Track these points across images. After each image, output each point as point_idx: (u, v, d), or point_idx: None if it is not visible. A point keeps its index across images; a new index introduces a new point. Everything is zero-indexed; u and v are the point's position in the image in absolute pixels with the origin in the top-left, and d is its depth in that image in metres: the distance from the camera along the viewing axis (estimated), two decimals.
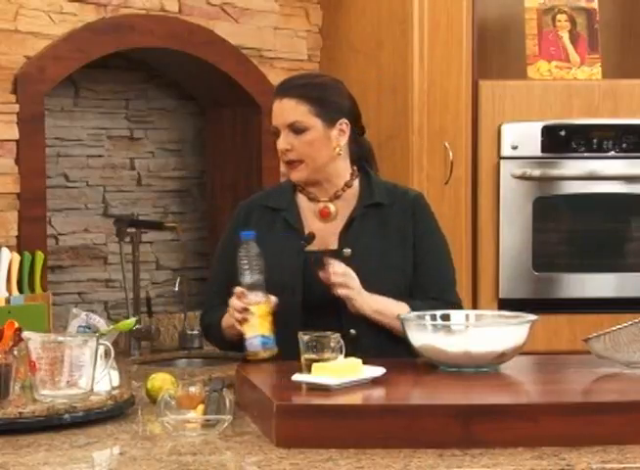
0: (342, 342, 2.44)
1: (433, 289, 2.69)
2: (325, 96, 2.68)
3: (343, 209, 2.72)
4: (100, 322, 2.60)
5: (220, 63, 4.02)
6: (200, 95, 4.28)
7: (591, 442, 2.06)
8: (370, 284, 2.62)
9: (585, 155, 4.05)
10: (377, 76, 4.19)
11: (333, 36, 4.32)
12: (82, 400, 2.31)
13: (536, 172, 4.00)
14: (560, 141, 4.04)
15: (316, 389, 2.23)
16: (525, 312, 2.54)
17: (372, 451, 2.02)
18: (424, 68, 4.07)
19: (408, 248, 2.69)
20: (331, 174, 2.71)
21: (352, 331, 2.61)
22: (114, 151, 4.12)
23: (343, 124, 2.70)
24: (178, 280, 4.01)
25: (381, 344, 2.61)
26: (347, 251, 2.65)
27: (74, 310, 2.59)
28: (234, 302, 2.56)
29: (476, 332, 2.45)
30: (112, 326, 2.62)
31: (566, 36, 4.25)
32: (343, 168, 2.73)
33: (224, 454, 2.06)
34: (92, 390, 2.34)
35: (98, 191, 4.08)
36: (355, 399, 2.24)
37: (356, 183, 2.75)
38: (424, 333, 2.45)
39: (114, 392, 2.41)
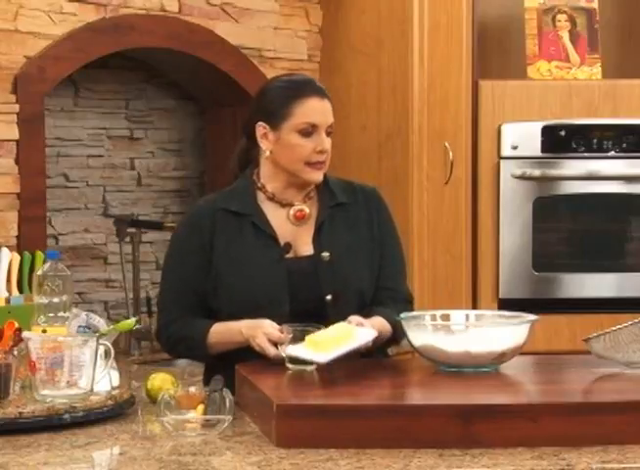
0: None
1: (392, 278, 2.69)
2: None
3: (312, 211, 2.67)
4: (100, 322, 2.59)
5: (220, 63, 4.02)
6: (200, 95, 4.28)
7: (591, 442, 2.06)
8: (350, 284, 2.61)
9: (585, 155, 4.04)
10: (377, 76, 4.19)
11: (333, 36, 4.32)
12: (82, 400, 2.31)
13: (536, 172, 4.00)
14: (560, 141, 4.04)
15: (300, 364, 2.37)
16: (525, 312, 2.54)
17: (372, 451, 2.02)
18: (424, 68, 4.07)
19: (375, 241, 2.68)
20: None
21: None
22: (114, 151, 4.12)
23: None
24: None
25: (367, 347, 2.57)
26: (326, 254, 2.61)
27: (74, 310, 2.58)
28: (269, 349, 2.47)
29: (476, 332, 2.45)
30: (112, 326, 2.62)
31: (566, 36, 4.25)
32: None
33: (224, 454, 2.06)
34: (92, 390, 2.34)
35: (98, 191, 4.08)
36: (355, 399, 2.24)
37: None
38: (424, 333, 2.45)
39: (114, 392, 2.41)
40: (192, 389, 2.27)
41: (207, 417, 2.21)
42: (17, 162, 3.51)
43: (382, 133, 4.17)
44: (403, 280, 2.74)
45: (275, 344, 2.47)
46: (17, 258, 3.28)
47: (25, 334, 2.37)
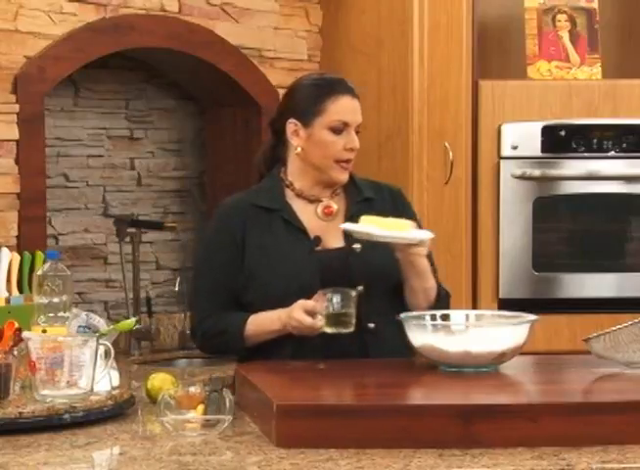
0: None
1: None
2: None
3: (340, 206, 2.74)
4: (100, 322, 2.59)
5: (220, 63, 4.02)
6: (200, 95, 4.28)
7: (591, 442, 2.06)
8: (382, 275, 2.66)
9: (585, 155, 4.04)
10: (377, 76, 4.19)
11: (333, 36, 4.32)
12: (82, 400, 2.31)
13: (536, 172, 4.00)
14: (560, 141, 4.04)
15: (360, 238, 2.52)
16: (525, 312, 2.54)
17: (372, 451, 2.02)
18: (424, 68, 4.07)
19: None
20: None
21: (371, 325, 2.64)
22: (113, 151, 4.12)
23: None
24: (178, 280, 4.02)
25: (400, 336, 2.59)
26: (357, 246, 2.66)
27: (74, 310, 2.58)
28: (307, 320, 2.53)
29: (476, 332, 2.45)
30: (112, 326, 2.62)
31: (566, 36, 4.25)
32: None
33: (224, 454, 2.06)
34: (92, 390, 2.34)
35: (98, 191, 4.08)
36: (355, 398, 2.25)
37: None
38: (424, 333, 2.45)
39: (114, 392, 2.41)
40: (192, 389, 2.27)
41: (207, 417, 2.21)
42: (17, 162, 3.51)
43: (382, 133, 4.17)
44: (435, 275, 2.76)
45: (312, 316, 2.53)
46: (17, 258, 3.28)
47: (25, 334, 2.37)
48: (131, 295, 3.90)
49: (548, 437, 2.06)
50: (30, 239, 3.47)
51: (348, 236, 2.66)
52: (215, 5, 4.03)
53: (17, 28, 3.51)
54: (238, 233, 2.67)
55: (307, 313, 2.53)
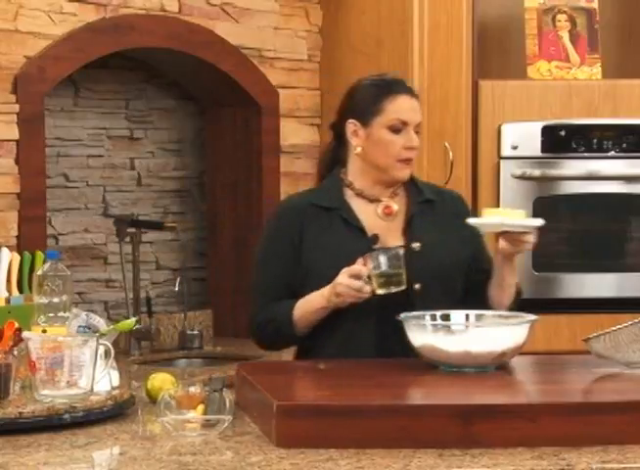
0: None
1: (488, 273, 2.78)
2: None
3: (399, 206, 2.76)
4: (100, 322, 2.59)
5: (220, 63, 4.02)
6: (200, 95, 4.28)
7: (591, 442, 2.06)
8: (440, 274, 2.68)
9: (585, 155, 4.05)
10: None
11: (333, 36, 4.32)
12: (82, 400, 2.31)
13: (536, 172, 4.00)
14: (560, 141, 4.04)
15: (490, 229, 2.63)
16: (525, 312, 2.54)
17: (372, 451, 2.02)
18: (424, 68, 4.07)
19: (462, 239, 2.74)
20: None
21: None
22: (113, 151, 4.12)
23: None
24: (178, 280, 4.02)
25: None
26: (417, 245, 2.68)
27: (74, 310, 2.58)
28: (355, 283, 2.55)
29: (476, 332, 2.45)
30: (112, 326, 2.62)
31: (566, 36, 4.25)
32: None
33: (224, 454, 2.06)
34: (92, 390, 2.34)
35: (98, 191, 4.08)
36: (355, 398, 2.24)
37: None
38: (424, 333, 2.45)
39: (114, 392, 2.41)
40: (192, 389, 2.27)
41: (207, 417, 2.21)
42: (17, 162, 3.51)
43: None
44: None
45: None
46: (17, 258, 3.28)
47: (25, 334, 2.37)
48: (131, 295, 3.90)
49: (548, 437, 2.06)
50: (30, 239, 3.47)
51: (409, 236, 2.69)
52: (215, 5, 4.03)
53: (17, 28, 3.51)
54: (295, 232, 2.69)
55: (354, 278, 2.55)
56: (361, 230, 2.69)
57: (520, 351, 2.46)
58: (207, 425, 2.20)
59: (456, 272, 2.72)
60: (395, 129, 2.68)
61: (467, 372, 2.41)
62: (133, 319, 2.73)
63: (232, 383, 2.51)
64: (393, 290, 2.55)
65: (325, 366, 2.52)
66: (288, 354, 2.95)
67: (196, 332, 3.98)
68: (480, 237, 2.78)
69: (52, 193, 3.83)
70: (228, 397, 2.24)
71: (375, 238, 2.68)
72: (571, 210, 4.12)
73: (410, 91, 2.73)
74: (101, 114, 4.07)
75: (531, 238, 2.63)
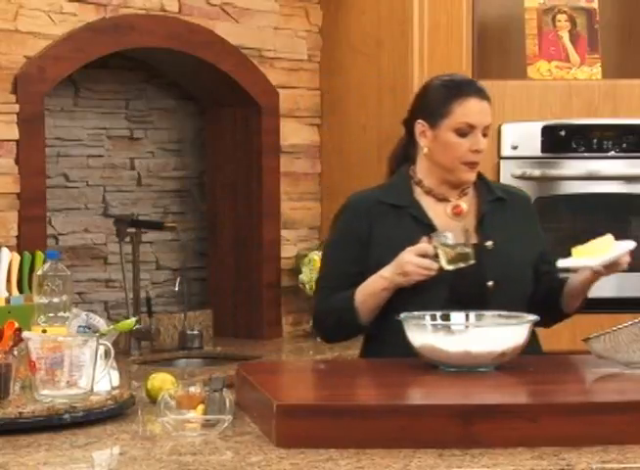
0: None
1: (555, 272, 2.79)
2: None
3: (468, 206, 2.76)
4: (100, 322, 2.59)
5: (220, 63, 4.02)
6: (200, 95, 4.28)
7: (591, 442, 2.06)
8: (513, 272, 2.69)
9: (585, 155, 4.05)
10: (377, 77, 4.19)
11: (333, 36, 4.32)
12: (82, 400, 2.30)
13: (536, 172, 4.00)
14: (560, 141, 4.04)
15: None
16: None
17: (372, 451, 2.02)
18: (424, 68, 4.07)
19: (532, 239, 2.78)
20: None
21: None
22: (113, 151, 4.12)
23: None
24: (178, 280, 4.02)
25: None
26: (490, 243, 2.69)
27: (74, 310, 2.58)
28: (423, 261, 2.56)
29: (476, 332, 2.45)
30: (112, 326, 2.62)
31: (566, 36, 4.25)
32: None
33: (224, 454, 2.06)
34: (92, 390, 2.33)
35: (98, 191, 4.08)
36: (355, 398, 2.24)
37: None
38: (424, 333, 2.45)
39: (114, 392, 2.41)
40: (192, 389, 2.27)
41: (207, 417, 2.21)
42: (17, 162, 3.51)
43: (382, 134, 4.17)
44: None
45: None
46: (17, 258, 3.28)
47: (25, 334, 2.37)
48: (131, 295, 3.90)
49: (548, 437, 2.06)
50: (30, 239, 3.47)
51: (481, 234, 2.70)
52: (215, 5, 4.03)
53: (17, 28, 3.51)
54: (364, 229, 2.70)
55: (421, 257, 2.57)
56: (431, 228, 2.69)
57: (519, 350, 2.46)
58: (207, 425, 2.20)
59: (527, 270, 2.74)
60: (462, 133, 2.67)
61: (467, 372, 2.41)
62: (133, 319, 2.73)
63: (232, 383, 2.51)
64: (462, 265, 2.56)
65: (325, 366, 2.52)
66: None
67: (196, 332, 3.98)
68: (544, 240, 2.83)
69: (52, 193, 3.83)
70: (228, 397, 2.24)
71: None
72: (572, 210, 4.12)
73: (480, 93, 2.70)
74: (101, 114, 4.07)
75: (626, 260, 2.64)
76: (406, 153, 2.81)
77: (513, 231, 2.75)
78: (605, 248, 2.60)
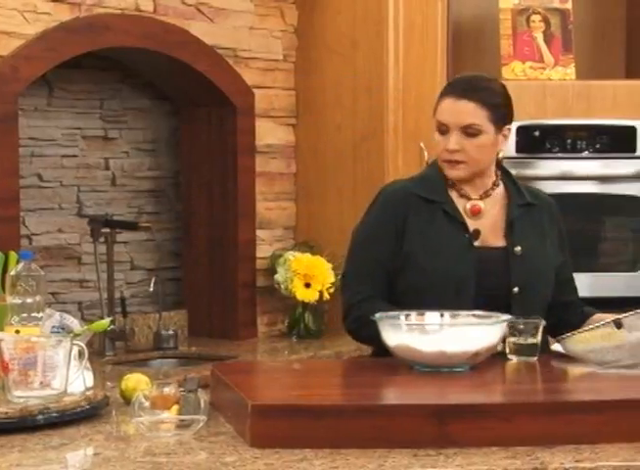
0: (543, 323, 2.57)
1: (572, 285, 2.87)
2: (501, 103, 2.74)
3: (492, 208, 2.77)
4: (74, 323, 2.58)
5: (195, 62, 4.01)
6: (175, 95, 4.27)
7: (564, 441, 2.07)
8: (539, 279, 2.72)
9: (559, 155, 4.06)
10: (352, 77, 4.19)
11: (308, 36, 4.32)
12: (56, 401, 2.29)
13: (511, 172, 4.00)
14: (534, 141, 4.06)
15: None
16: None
17: (346, 451, 2.03)
18: (399, 68, 4.08)
19: (556, 248, 2.80)
20: (484, 174, 2.77)
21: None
22: (88, 151, 4.10)
23: (507, 130, 2.77)
24: (153, 280, 4.01)
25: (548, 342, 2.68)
26: (518, 249, 2.71)
27: (48, 311, 2.57)
28: None
29: (450, 332, 2.45)
30: (86, 327, 2.61)
31: (540, 37, 4.27)
32: (493, 169, 2.80)
33: (199, 455, 2.06)
34: (66, 390, 2.33)
35: (72, 191, 4.06)
36: (330, 398, 2.25)
37: (501, 183, 2.82)
38: (398, 333, 2.45)
39: (88, 392, 2.40)
40: (166, 389, 2.26)
41: (182, 418, 2.20)
42: None
43: (357, 134, 4.18)
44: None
45: None
46: None
47: None
48: (105, 295, 3.89)
49: (522, 436, 2.07)
50: (4, 239, 3.45)
51: (511, 239, 2.72)
52: (190, 5, 4.02)
53: None
54: (399, 219, 2.72)
55: None
56: (463, 225, 2.72)
57: (494, 350, 2.46)
58: (182, 425, 2.20)
59: (550, 278, 2.77)
60: (441, 131, 2.71)
61: (441, 372, 2.41)
62: (107, 320, 2.72)
63: (207, 383, 2.50)
64: (526, 358, 2.56)
65: (299, 366, 2.52)
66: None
67: (171, 332, 3.97)
68: (567, 246, 2.84)
69: (26, 193, 3.81)
70: (203, 397, 2.24)
71: (477, 233, 2.71)
72: None
73: (460, 93, 2.70)
74: (75, 113, 4.05)
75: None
76: None
77: (539, 238, 2.77)
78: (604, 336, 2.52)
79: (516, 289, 2.68)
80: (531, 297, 2.70)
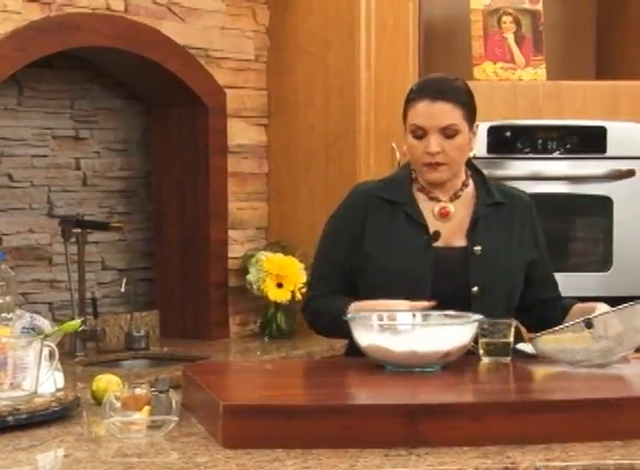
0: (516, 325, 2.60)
1: (551, 282, 2.87)
2: (470, 101, 2.74)
3: (461, 208, 2.77)
4: (44, 323, 2.57)
5: (166, 62, 4.00)
6: (146, 95, 4.26)
7: (535, 440, 2.08)
8: (499, 280, 2.71)
9: (530, 155, 4.08)
10: (324, 77, 4.19)
11: (280, 37, 4.32)
12: (26, 402, 2.28)
13: (482, 171, 4.01)
14: (505, 142, 4.07)
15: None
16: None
17: (318, 451, 2.03)
18: (370, 68, 4.08)
19: (526, 247, 2.78)
20: (455, 175, 2.76)
21: None
22: (59, 151, 4.08)
23: (476, 127, 2.76)
24: (124, 281, 3.99)
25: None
26: (478, 248, 2.71)
27: (18, 312, 2.56)
28: None
29: (421, 332, 2.46)
30: (56, 327, 2.59)
31: (511, 38, 4.29)
32: (463, 169, 2.79)
33: (170, 455, 2.06)
34: (36, 392, 2.32)
35: (43, 191, 4.04)
36: (302, 399, 2.25)
37: (471, 183, 2.80)
38: (370, 333, 2.46)
39: (59, 393, 2.39)
40: (138, 390, 2.26)
41: (153, 418, 2.20)
42: None
43: (329, 134, 4.18)
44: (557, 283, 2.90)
45: None
46: None
47: None
48: (76, 296, 3.87)
49: (493, 436, 2.08)
50: None
51: (471, 238, 2.71)
52: (162, 4, 4.01)
53: None
54: (357, 221, 2.74)
55: None
56: (423, 227, 2.72)
57: (465, 350, 2.47)
58: (153, 426, 2.19)
59: (515, 277, 2.75)
60: (417, 135, 2.70)
61: (413, 372, 2.42)
62: (78, 320, 2.71)
63: (178, 384, 2.50)
64: (498, 359, 2.56)
65: (271, 367, 2.52)
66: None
67: (142, 333, 3.95)
68: (544, 246, 2.83)
69: None
70: (174, 398, 2.23)
71: (436, 235, 2.71)
72: None
73: (435, 95, 2.68)
74: (45, 113, 4.03)
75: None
76: None
77: (507, 236, 2.76)
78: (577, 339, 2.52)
79: (475, 289, 2.68)
80: (492, 296, 2.69)
